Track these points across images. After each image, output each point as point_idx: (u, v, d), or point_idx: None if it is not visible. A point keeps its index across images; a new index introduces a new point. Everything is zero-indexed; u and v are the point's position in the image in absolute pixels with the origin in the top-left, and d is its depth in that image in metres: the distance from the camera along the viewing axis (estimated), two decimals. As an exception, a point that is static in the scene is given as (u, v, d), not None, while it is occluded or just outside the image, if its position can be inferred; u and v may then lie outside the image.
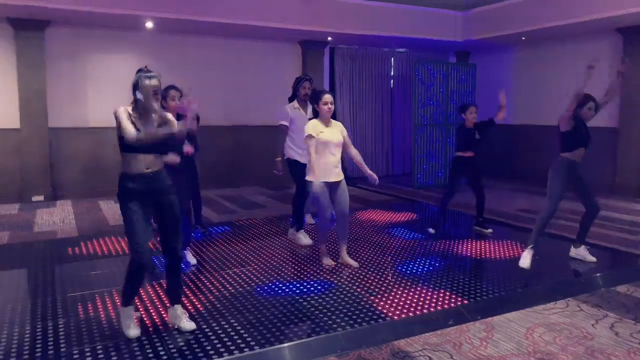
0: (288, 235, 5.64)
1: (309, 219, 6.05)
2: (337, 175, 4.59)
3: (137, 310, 3.54)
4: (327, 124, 4.57)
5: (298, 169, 5.31)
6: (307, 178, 4.58)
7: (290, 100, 5.50)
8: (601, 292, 4.23)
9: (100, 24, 8.36)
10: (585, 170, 4.79)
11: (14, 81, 8.01)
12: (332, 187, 4.59)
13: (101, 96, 8.55)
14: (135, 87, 3.15)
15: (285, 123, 5.41)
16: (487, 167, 11.10)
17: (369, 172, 4.67)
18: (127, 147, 3.11)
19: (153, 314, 3.60)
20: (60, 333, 3.30)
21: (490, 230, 6.04)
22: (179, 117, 4.71)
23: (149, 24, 8.36)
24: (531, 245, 4.77)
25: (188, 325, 3.32)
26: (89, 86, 8.60)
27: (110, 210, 7.48)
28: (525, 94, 10.42)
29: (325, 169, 4.52)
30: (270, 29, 8.88)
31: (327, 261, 4.73)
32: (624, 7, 7.30)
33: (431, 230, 6.00)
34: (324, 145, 4.50)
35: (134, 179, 3.13)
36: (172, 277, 3.38)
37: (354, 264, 4.70)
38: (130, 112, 3.13)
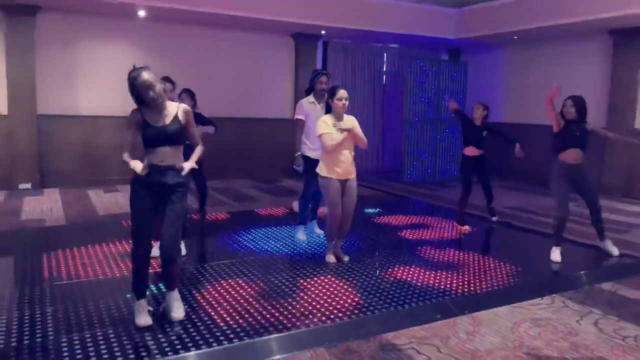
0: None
1: (318, 230, 5.66)
2: (349, 172, 4.54)
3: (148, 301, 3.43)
4: (339, 120, 4.50)
5: (308, 166, 5.19)
6: (319, 172, 4.56)
7: (307, 93, 5.35)
8: (586, 289, 4.29)
9: (93, 11, 8.27)
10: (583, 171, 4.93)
11: (2, 67, 7.90)
12: (343, 184, 4.55)
13: (92, 84, 8.47)
14: (132, 91, 3.16)
15: (301, 117, 5.24)
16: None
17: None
18: (146, 144, 3.20)
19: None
20: (49, 321, 3.29)
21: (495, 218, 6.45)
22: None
23: (142, 13, 8.28)
24: (556, 245, 4.98)
25: (177, 314, 3.33)
26: (80, 74, 8.51)
27: (100, 199, 7.43)
28: (516, 93, 10.48)
29: (338, 166, 4.47)
30: (264, 21, 8.83)
31: (330, 258, 4.70)
32: (615, 10, 7.37)
33: (465, 228, 6.04)
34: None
35: (147, 169, 3.17)
36: (165, 266, 3.39)
37: (345, 258, 4.73)
38: (142, 111, 3.20)
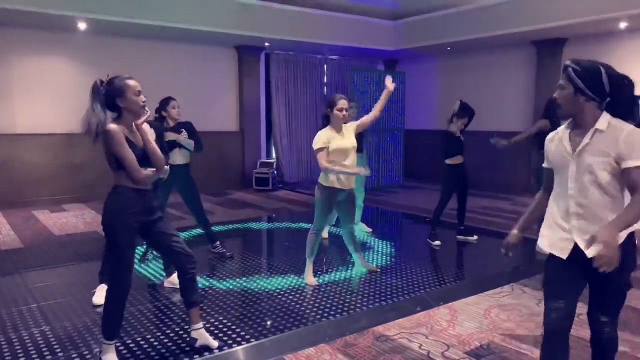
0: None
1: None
2: (345, 184, 4.28)
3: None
4: (338, 130, 4.30)
5: None
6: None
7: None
8: (536, 277, 4.75)
9: (28, 24, 7.93)
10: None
11: None
12: (340, 195, 4.30)
13: (29, 101, 8.14)
14: (116, 94, 2.89)
15: None
16: (413, 170, 11.80)
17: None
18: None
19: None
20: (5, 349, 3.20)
21: (475, 238, 5.93)
22: (180, 126, 5.19)
23: (82, 25, 8.06)
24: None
25: (213, 343, 3.15)
26: (16, 90, 8.12)
27: (50, 220, 7.16)
28: (449, 100, 11.13)
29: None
30: (207, 33, 8.85)
31: (310, 280, 4.40)
32: (537, 23, 8.15)
33: (437, 243, 5.72)
34: (338, 153, 4.22)
35: (134, 193, 2.84)
36: (187, 291, 3.06)
37: (376, 269, 4.71)
38: (119, 129, 2.82)
